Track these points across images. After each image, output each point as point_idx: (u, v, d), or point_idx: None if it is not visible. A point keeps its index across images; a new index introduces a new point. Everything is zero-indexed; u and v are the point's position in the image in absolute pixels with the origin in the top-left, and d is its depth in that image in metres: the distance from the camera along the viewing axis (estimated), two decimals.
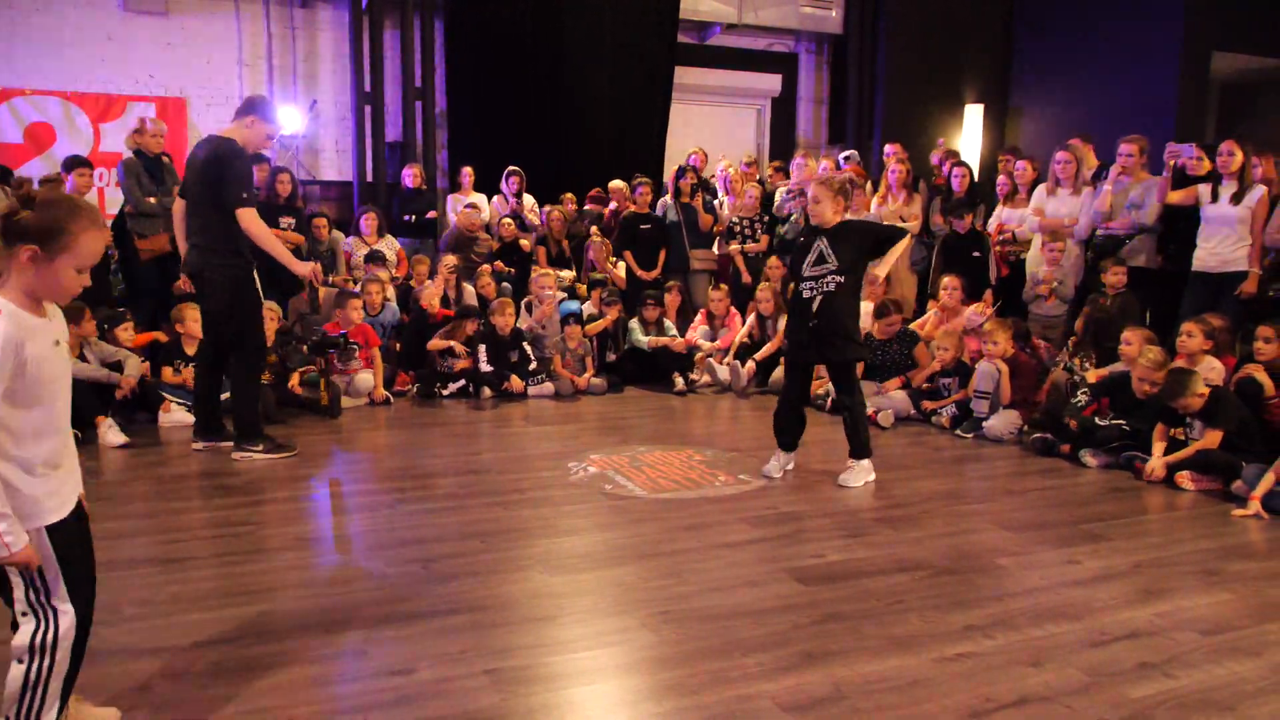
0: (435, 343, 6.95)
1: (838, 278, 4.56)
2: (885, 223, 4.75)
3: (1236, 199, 6.01)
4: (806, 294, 4.64)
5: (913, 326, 6.96)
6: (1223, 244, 6.06)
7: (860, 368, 4.93)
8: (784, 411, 4.89)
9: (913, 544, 3.85)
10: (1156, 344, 5.38)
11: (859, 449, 4.74)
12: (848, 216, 4.73)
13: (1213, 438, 4.76)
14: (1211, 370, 5.13)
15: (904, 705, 2.54)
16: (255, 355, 5.16)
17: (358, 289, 7.31)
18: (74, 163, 6.74)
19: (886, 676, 2.70)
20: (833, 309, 4.59)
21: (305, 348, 6.53)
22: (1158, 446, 4.97)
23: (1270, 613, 3.22)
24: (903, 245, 4.80)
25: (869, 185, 8.40)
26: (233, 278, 4.93)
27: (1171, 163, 6.53)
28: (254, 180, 4.94)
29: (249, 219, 4.83)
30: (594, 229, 8.90)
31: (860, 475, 4.72)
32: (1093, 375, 5.79)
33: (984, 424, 5.82)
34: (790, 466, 4.96)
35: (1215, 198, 6.10)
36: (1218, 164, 6.16)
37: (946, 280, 6.93)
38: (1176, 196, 6.36)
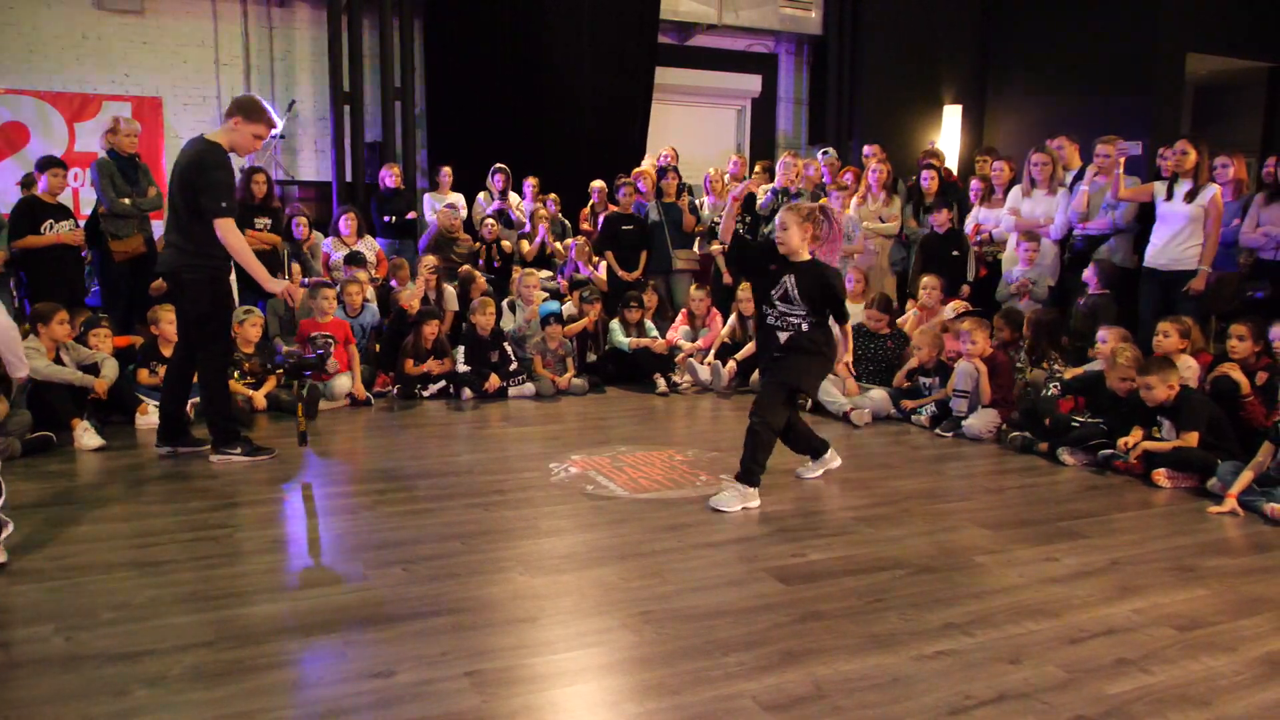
0: (410, 367, 6.87)
1: (809, 319, 4.36)
2: (841, 295, 4.43)
3: (1190, 197, 6.07)
4: (772, 322, 4.42)
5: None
6: (1174, 241, 6.12)
7: (808, 402, 4.57)
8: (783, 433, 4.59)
9: (892, 543, 3.87)
10: (1131, 341, 5.45)
11: (747, 472, 4.36)
12: (817, 254, 4.40)
13: (1189, 439, 4.81)
14: (1188, 369, 5.19)
15: (884, 703, 2.55)
16: (222, 358, 5.13)
17: (338, 289, 7.29)
18: (48, 163, 6.67)
19: (867, 675, 2.71)
20: (800, 345, 4.38)
21: (280, 374, 6.34)
22: (1137, 431, 5.02)
23: (1245, 608, 3.25)
24: (848, 332, 4.59)
25: (845, 176, 8.44)
26: (208, 278, 4.88)
27: (1123, 160, 6.56)
28: (235, 190, 4.83)
29: (226, 229, 4.74)
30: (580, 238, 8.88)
31: (736, 500, 4.29)
32: (1069, 373, 5.84)
33: (963, 423, 5.85)
34: (834, 464, 4.86)
35: (1170, 195, 6.17)
36: (1173, 162, 6.23)
37: (926, 280, 6.97)
38: (1129, 193, 6.42)
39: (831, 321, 4.49)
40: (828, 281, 4.33)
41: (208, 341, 4.97)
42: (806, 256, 4.37)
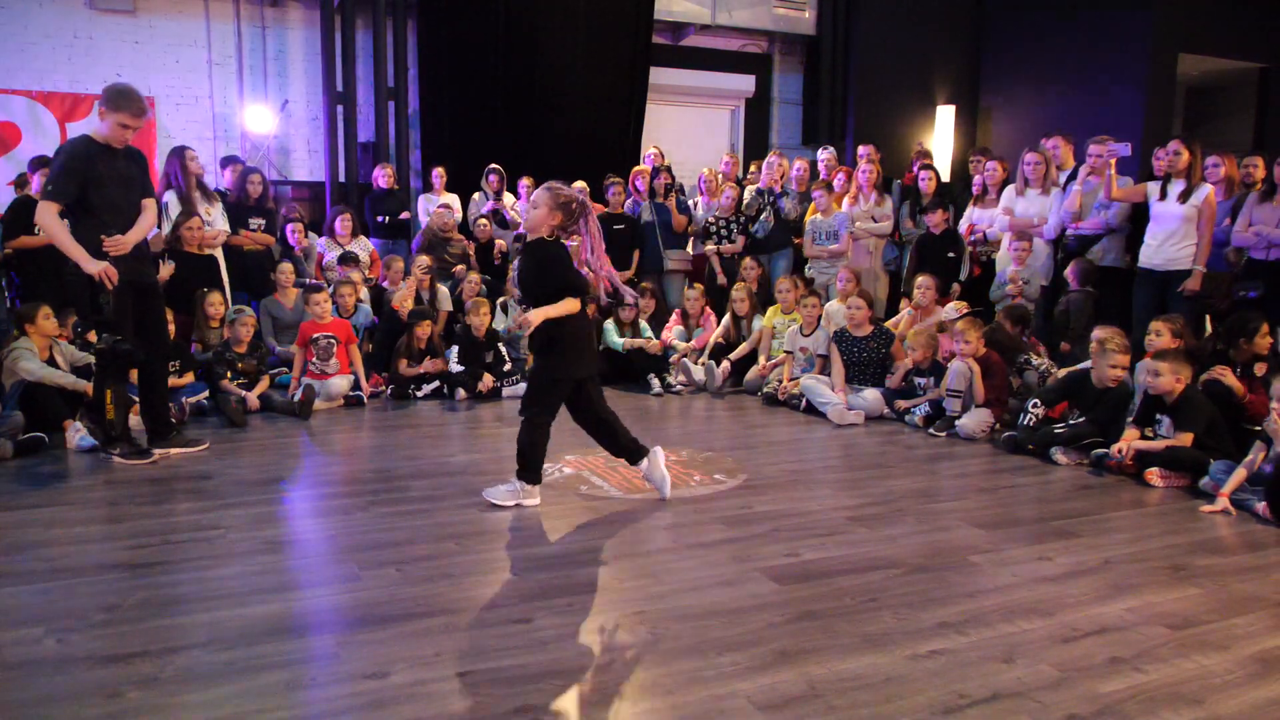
0: (404, 368, 6.87)
1: (526, 303, 4.22)
2: (570, 276, 4.14)
3: (1184, 197, 6.09)
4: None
5: (887, 325, 7.00)
6: (1168, 241, 6.15)
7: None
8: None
9: (886, 542, 3.88)
10: (1123, 337, 5.49)
11: (522, 468, 4.26)
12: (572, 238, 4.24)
13: (1184, 439, 4.82)
14: (1182, 369, 5.20)
15: (878, 702, 2.55)
16: (108, 356, 5.00)
17: (331, 290, 7.28)
18: (40, 162, 6.66)
19: (860, 674, 2.71)
20: (541, 327, 4.13)
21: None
22: (1130, 433, 5.03)
23: (1237, 607, 3.26)
24: (561, 309, 4.12)
25: (838, 177, 8.45)
26: (88, 278, 4.74)
27: (1113, 161, 6.57)
28: (72, 176, 4.62)
29: (41, 212, 4.66)
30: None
31: (508, 495, 4.24)
32: (1053, 376, 5.90)
33: (957, 423, 5.86)
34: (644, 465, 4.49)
35: (1164, 195, 6.19)
36: (1166, 162, 6.25)
37: (920, 280, 6.98)
38: (1122, 193, 6.44)
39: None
40: (543, 256, 4.13)
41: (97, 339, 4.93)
42: (544, 235, 4.16)
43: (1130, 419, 5.13)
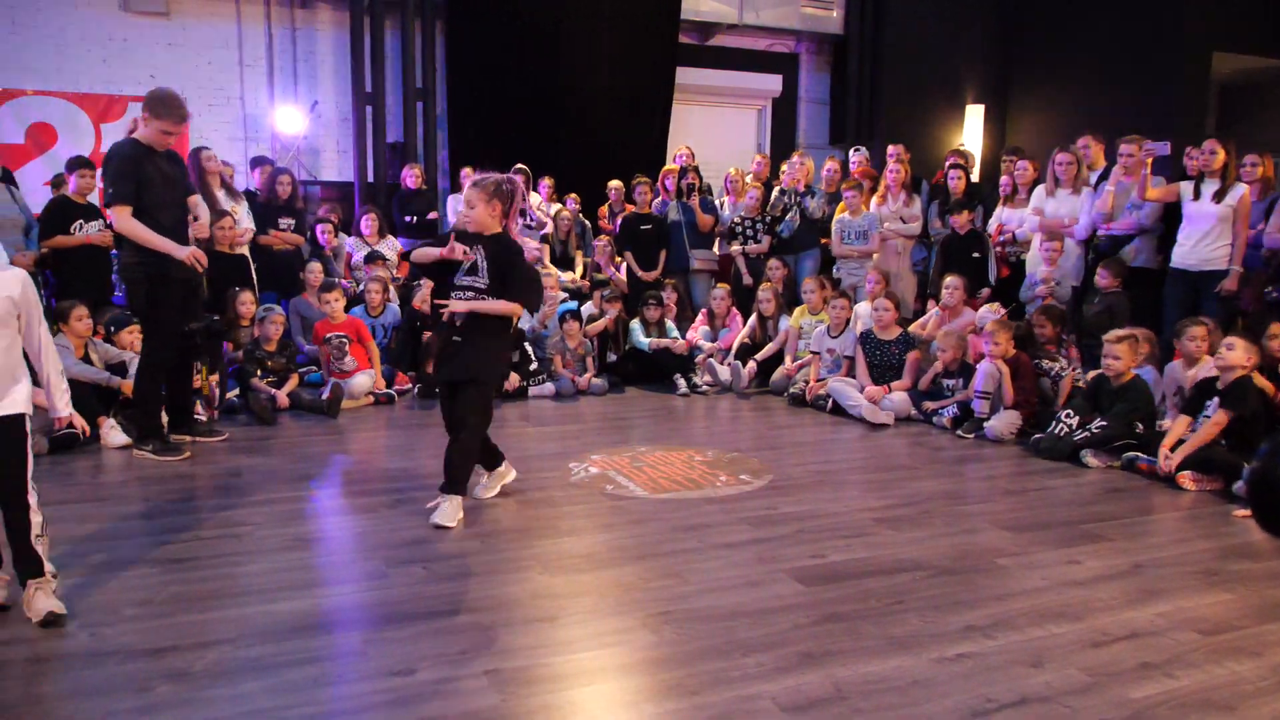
0: (431, 367, 6.89)
1: (488, 294, 4.07)
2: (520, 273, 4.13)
3: (1219, 197, 6.02)
4: (455, 295, 4.12)
5: (913, 327, 6.96)
6: (1203, 241, 6.07)
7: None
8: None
9: (913, 544, 3.85)
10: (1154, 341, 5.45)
11: (453, 482, 4.10)
12: (508, 226, 4.17)
13: (1220, 417, 4.75)
14: (1254, 352, 5.12)
15: (904, 705, 2.54)
16: (155, 354, 5.16)
17: (360, 289, 7.34)
18: (77, 163, 6.75)
19: (886, 677, 2.69)
20: (477, 324, 4.08)
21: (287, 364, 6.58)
22: (1180, 426, 4.96)
23: (1270, 613, 3.21)
24: (506, 309, 4.10)
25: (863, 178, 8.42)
26: (143, 277, 4.97)
27: (1149, 160, 6.49)
28: (132, 178, 4.82)
29: (118, 217, 4.84)
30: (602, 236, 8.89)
31: (451, 513, 4.04)
32: (1072, 379, 5.89)
33: (985, 424, 5.81)
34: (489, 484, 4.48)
35: (1198, 195, 6.11)
36: (1201, 162, 6.18)
37: (948, 280, 6.92)
38: (1156, 193, 6.37)
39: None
40: (510, 260, 4.08)
41: (146, 338, 5.15)
42: (499, 229, 4.12)
43: (1178, 408, 5.08)
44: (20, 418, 2.93)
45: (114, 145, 5.01)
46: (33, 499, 2.94)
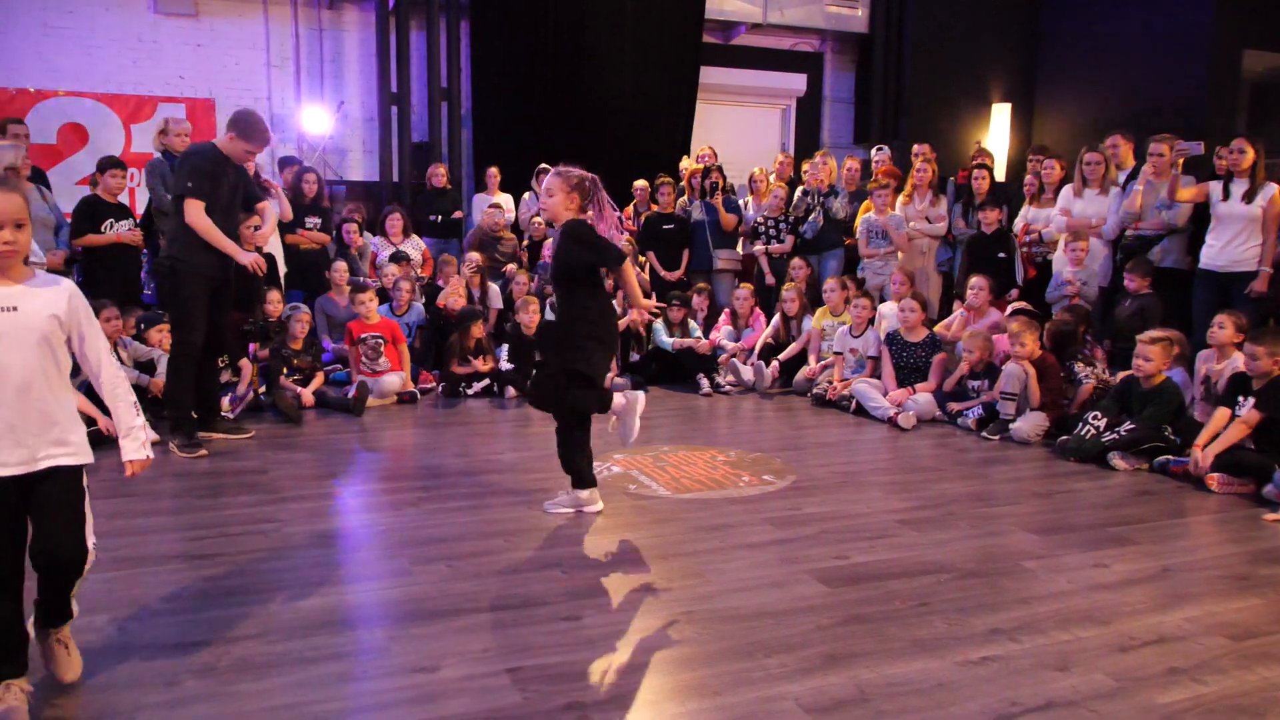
0: (456, 367, 6.95)
1: (563, 285, 4.11)
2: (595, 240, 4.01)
3: (1249, 197, 5.95)
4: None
5: (939, 328, 6.91)
6: (1233, 243, 6.01)
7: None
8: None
9: (938, 546, 3.83)
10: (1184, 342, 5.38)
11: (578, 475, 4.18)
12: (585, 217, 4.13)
13: (1250, 417, 4.70)
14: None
15: (927, 708, 2.53)
16: (183, 347, 5.28)
17: (388, 285, 7.37)
18: (108, 163, 6.83)
19: (910, 679, 2.68)
20: (557, 323, 4.12)
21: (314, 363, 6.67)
22: (1218, 419, 4.89)
23: None
24: (628, 272, 4.12)
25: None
26: (169, 269, 5.17)
27: (1180, 161, 6.42)
28: (209, 177, 5.11)
29: (189, 210, 5.07)
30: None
31: (568, 502, 4.19)
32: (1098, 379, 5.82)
33: (1011, 426, 5.77)
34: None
35: (1227, 195, 6.05)
36: (1229, 161, 6.10)
37: (974, 280, 6.87)
38: (1187, 194, 6.29)
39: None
40: (579, 229, 4.01)
41: (174, 332, 5.34)
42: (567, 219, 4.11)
43: (1204, 399, 5.01)
44: (75, 471, 2.49)
45: (195, 145, 5.39)
46: (89, 560, 2.49)
